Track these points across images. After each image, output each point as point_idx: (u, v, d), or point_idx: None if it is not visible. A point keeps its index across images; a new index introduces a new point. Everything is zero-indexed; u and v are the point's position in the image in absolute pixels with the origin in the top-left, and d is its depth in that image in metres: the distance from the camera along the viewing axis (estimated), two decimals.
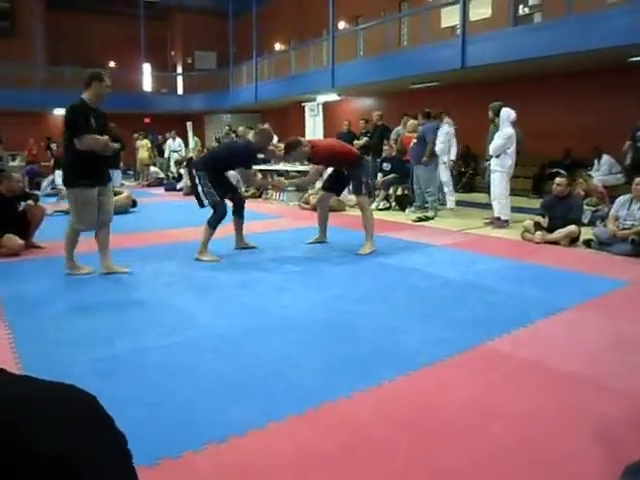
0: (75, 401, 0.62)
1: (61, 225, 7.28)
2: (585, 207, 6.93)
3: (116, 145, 4.72)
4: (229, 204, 5.54)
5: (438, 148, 8.25)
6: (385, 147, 9.67)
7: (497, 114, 7.13)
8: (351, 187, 5.95)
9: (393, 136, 9.91)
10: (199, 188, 5.19)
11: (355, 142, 10.89)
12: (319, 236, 6.11)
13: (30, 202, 5.80)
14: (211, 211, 5.27)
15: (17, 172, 8.29)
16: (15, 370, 1.47)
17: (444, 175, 8.72)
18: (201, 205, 5.27)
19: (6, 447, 0.54)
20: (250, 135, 11.95)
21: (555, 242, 5.87)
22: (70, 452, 0.56)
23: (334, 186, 6.01)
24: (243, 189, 11.40)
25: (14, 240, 5.53)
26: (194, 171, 5.35)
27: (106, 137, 4.39)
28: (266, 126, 5.66)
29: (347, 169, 5.72)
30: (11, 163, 15.17)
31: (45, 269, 4.97)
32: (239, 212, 5.67)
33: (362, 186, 5.65)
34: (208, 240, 5.16)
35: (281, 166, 11.43)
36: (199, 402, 2.36)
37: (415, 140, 8.34)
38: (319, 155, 5.53)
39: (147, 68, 20.17)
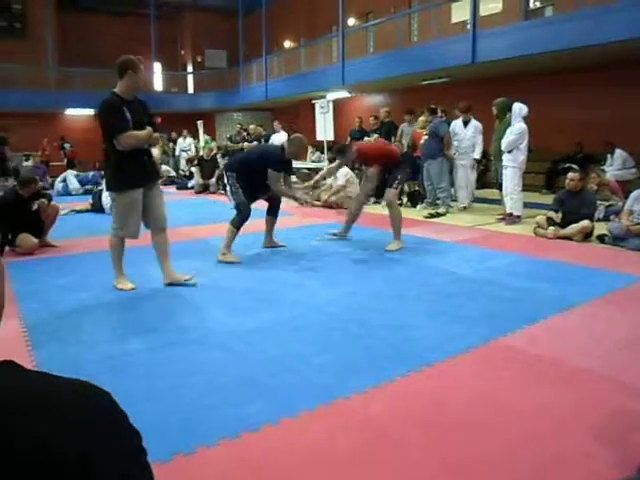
0: (92, 398, 0.63)
1: (74, 224, 7.37)
2: (598, 202, 6.87)
3: (157, 135, 4.27)
4: (264, 204, 5.58)
5: (464, 144, 8.15)
6: (394, 144, 9.64)
7: (504, 110, 7.09)
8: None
9: (398, 132, 9.91)
10: (227, 188, 5.26)
11: (365, 139, 10.87)
12: (343, 229, 6.23)
13: (43, 200, 5.85)
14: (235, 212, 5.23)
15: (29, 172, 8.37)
16: (29, 367, 1.46)
17: (469, 174, 8.48)
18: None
19: (31, 448, 0.54)
20: (281, 139, 12.07)
21: (568, 237, 5.83)
22: (90, 450, 0.56)
23: (380, 190, 5.92)
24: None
25: (29, 239, 5.60)
26: (225, 171, 5.43)
27: (147, 130, 3.97)
28: (298, 135, 5.58)
29: (390, 170, 5.71)
30: (25, 163, 15.30)
31: (59, 268, 5.01)
32: (274, 211, 5.63)
33: (396, 182, 5.68)
34: (232, 241, 5.12)
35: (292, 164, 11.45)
36: (212, 398, 2.37)
37: (426, 136, 8.31)
38: (367, 155, 5.74)
39: (158, 67, 20.25)
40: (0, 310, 0.70)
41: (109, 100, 3.90)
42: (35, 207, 5.73)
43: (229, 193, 5.22)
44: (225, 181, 5.31)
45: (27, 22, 18.70)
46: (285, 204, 5.95)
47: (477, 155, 8.42)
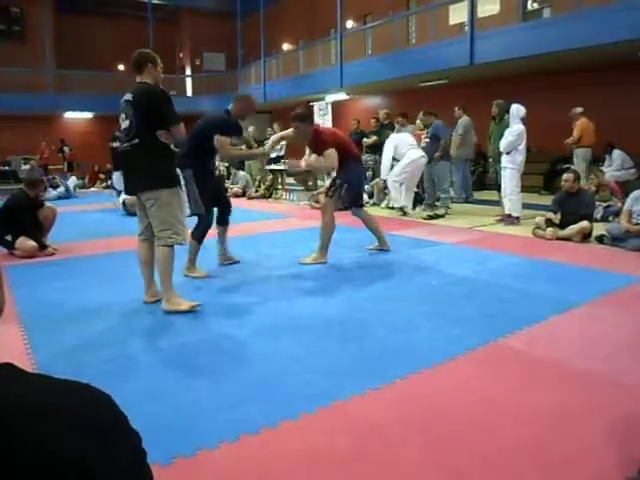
0: (92, 401, 0.63)
1: (73, 226, 7.36)
2: (597, 203, 6.87)
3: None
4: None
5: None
6: None
7: (503, 111, 7.11)
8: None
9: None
10: (185, 190, 4.26)
11: (364, 140, 10.89)
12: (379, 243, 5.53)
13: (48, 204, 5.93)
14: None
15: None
16: (29, 369, 1.46)
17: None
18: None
19: (31, 451, 0.54)
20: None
21: (567, 238, 5.83)
22: (90, 452, 0.57)
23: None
24: (252, 190, 11.45)
25: (28, 242, 5.59)
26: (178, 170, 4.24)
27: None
28: (248, 94, 4.75)
29: (343, 165, 4.95)
30: (24, 167, 15.31)
31: (59, 271, 5.01)
32: (224, 219, 4.86)
33: (332, 188, 4.98)
34: (195, 254, 4.56)
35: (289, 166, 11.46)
36: (212, 401, 2.37)
37: (427, 139, 8.32)
38: (324, 136, 4.85)
39: None
40: (2, 307, 0.70)
41: (162, 89, 3.59)
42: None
43: (185, 199, 4.17)
44: (181, 183, 4.14)
45: (26, 25, 18.73)
46: (273, 201, 5.67)
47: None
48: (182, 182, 4.06)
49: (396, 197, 8.06)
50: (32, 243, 5.62)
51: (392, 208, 8.47)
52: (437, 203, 8.43)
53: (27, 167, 15.10)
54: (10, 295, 4.05)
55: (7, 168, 16.91)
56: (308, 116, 4.85)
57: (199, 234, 4.51)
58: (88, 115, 18.98)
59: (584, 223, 5.78)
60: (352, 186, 5.13)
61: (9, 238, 5.59)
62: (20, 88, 16.73)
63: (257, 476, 1.85)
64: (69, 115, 18.68)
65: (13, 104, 16.14)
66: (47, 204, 6.20)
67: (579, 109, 8.60)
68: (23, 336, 3.23)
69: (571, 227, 5.84)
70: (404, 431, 2.11)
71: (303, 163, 4.76)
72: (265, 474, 1.86)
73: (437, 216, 7.78)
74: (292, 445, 2.02)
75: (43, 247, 5.75)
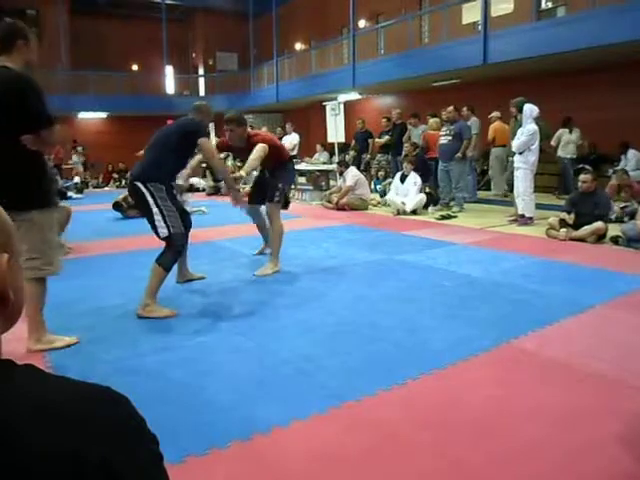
0: (112, 403, 0.63)
1: (85, 226, 7.42)
2: (615, 203, 6.81)
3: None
4: None
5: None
6: (405, 145, 9.68)
7: (520, 110, 7.07)
8: (268, 194, 4.84)
9: (405, 135, 10.02)
10: (153, 209, 3.60)
11: (376, 140, 10.89)
12: (265, 245, 5.39)
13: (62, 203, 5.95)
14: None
15: None
16: (44, 367, 1.46)
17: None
18: (159, 235, 3.68)
19: (52, 455, 0.55)
20: (292, 141, 11.91)
21: (581, 239, 5.78)
22: (111, 456, 0.57)
23: (258, 197, 5.06)
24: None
25: None
26: (140, 184, 3.63)
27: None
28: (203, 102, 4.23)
29: (273, 170, 4.85)
30: None
31: (73, 270, 5.04)
32: (186, 236, 4.05)
33: (277, 193, 4.75)
34: (158, 287, 3.64)
35: (303, 166, 11.48)
36: (223, 400, 2.38)
37: (449, 137, 8.31)
38: (262, 138, 4.59)
39: (169, 70, 20.37)
40: (20, 308, 0.69)
41: (29, 77, 2.74)
42: None
43: (157, 217, 3.60)
44: (147, 198, 3.61)
45: (41, 27, 18.90)
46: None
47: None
48: (149, 199, 3.59)
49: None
50: None
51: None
52: (452, 202, 8.44)
53: None
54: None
55: None
56: (244, 121, 4.62)
57: (170, 261, 3.68)
58: (102, 115, 19.13)
59: (599, 224, 5.73)
60: (287, 186, 5.16)
61: None
62: None
63: (267, 476, 1.86)
64: (83, 115, 18.84)
65: None
66: (62, 204, 6.26)
67: (496, 114, 9.70)
68: None
69: (585, 228, 5.79)
70: (415, 432, 2.11)
71: (243, 173, 4.30)
72: (275, 474, 1.86)
73: (450, 216, 7.75)
74: (303, 445, 2.02)
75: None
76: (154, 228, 3.63)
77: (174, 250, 3.66)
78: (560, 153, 9.49)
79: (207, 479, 1.85)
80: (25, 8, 18.61)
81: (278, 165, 4.80)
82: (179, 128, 3.82)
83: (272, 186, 4.76)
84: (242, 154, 4.58)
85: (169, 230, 3.59)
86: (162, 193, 3.62)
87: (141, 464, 0.61)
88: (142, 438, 0.63)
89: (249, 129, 4.78)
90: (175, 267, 3.92)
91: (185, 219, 3.95)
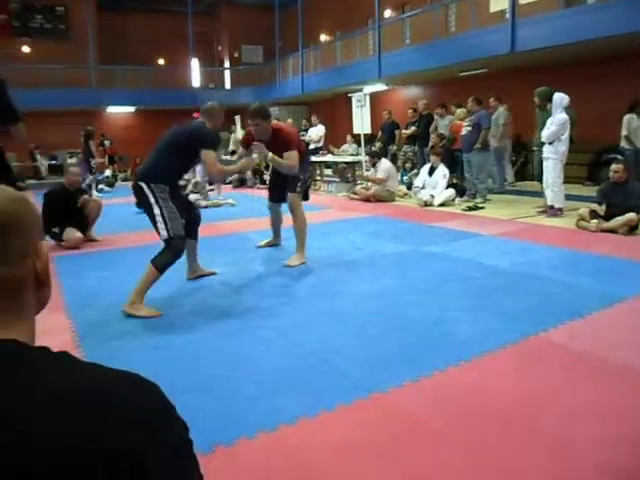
0: (142, 390, 0.64)
1: (117, 219, 7.55)
2: None
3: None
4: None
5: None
6: (432, 137, 9.60)
7: (545, 99, 6.93)
8: (288, 185, 4.86)
9: (432, 126, 9.95)
10: (155, 210, 3.59)
11: (403, 132, 10.81)
12: (270, 240, 5.54)
13: (86, 197, 6.08)
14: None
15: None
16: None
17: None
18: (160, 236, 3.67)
19: (85, 441, 0.56)
20: (318, 133, 11.88)
21: (613, 230, 5.66)
22: (142, 442, 0.58)
23: (276, 194, 5.13)
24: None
25: (74, 234, 5.79)
26: (143, 184, 3.64)
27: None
28: (212, 103, 4.06)
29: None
30: (69, 161, 15.79)
31: (103, 261, 5.15)
32: (194, 231, 4.16)
33: (299, 184, 4.78)
34: (149, 287, 3.57)
35: (329, 157, 11.46)
36: (251, 391, 2.40)
37: (469, 128, 8.23)
38: (284, 134, 4.62)
39: (195, 64, 20.50)
40: (50, 294, 0.72)
41: None
42: (80, 203, 5.93)
43: (159, 219, 3.59)
44: (150, 200, 3.61)
45: (70, 23, 19.21)
46: (312, 193, 5.31)
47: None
48: (151, 200, 3.60)
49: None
50: (78, 235, 5.81)
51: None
52: (476, 193, 8.35)
53: (73, 160, 15.53)
54: (58, 284, 4.19)
55: (54, 162, 17.46)
56: (269, 114, 4.59)
57: (166, 262, 3.59)
58: (130, 109, 19.37)
59: (631, 215, 5.60)
60: (308, 177, 5.22)
61: (57, 230, 5.77)
62: (65, 84, 17.23)
63: (293, 466, 1.87)
64: (111, 109, 19.11)
65: (58, 100, 16.62)
66: (94, 197, 6.41)
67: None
68: (71, 325, 3.34)
69: (617, 219, 5.66)
70: (441, 424, 2.10)
71: (270, 155, 4.37)
72: (301, 464, 1.88)
73: (477, 207, 7.67)
74: (328, 436, 2.03)
75: (89, 239, 5.98)
76: (156, 229, 3.65)
77: (172, 252, 3.60)
78: (634, 142, 8.23)
79: (235, 468, 1.87)
80: (54, 5, 18.95)
81: (300, 160, 4.74)
82: (187, 134, 3.79)
83: (293, 177, 4.76)
84: (267, 147, 4.57)
85: (169, 233, 3.57)
86: (164, 194, 3.62)
87: (172, 450, 0.62)
88: (172, 424, 0.64)
89: (274, 121, 4.78)
90: (177, 267, 3.85)
91: (192, 214, 4.04)
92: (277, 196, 5.13)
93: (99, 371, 0.64)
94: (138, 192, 3.70)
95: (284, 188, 4.85)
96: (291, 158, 4.50)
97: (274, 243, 5.55)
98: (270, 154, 4.38)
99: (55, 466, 0.54)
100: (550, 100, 6.79)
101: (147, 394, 0.64)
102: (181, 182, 3.95)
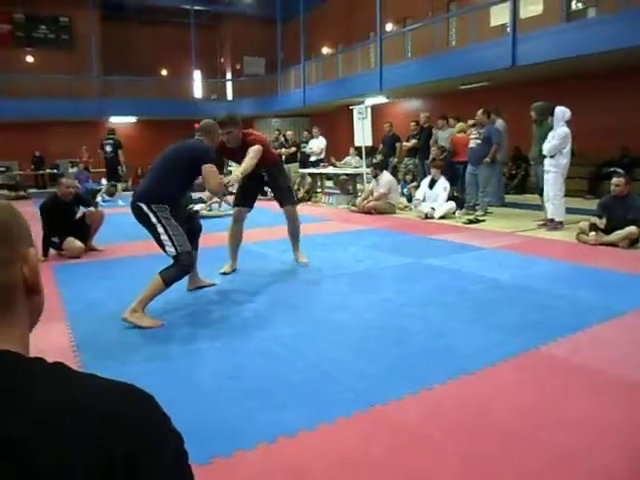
0: (137, 400, 0.64)
1: (119, 229, 7.55)
2: None
3: None
4: None
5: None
6: (433, 149, 9.62)
7: (543, 114, 6.96)
8: (279, 197, 4.98)
9: (432, 138, 9.97)
10: (159, 229, 3.59)
11: (404, 144, 10.84)
12: (231, 264, 5.00)
13: (92, 209, 6.06)
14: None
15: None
16: (75, 367, 1.48)
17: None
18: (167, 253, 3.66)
19: (78, 449, 0.56)
20: (319, 145, 11.95)
21: (613, 244, 5.66)
22: (135, 452, 0.58)
23: (249, 199, 5.02)
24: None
25: (75, 243, 5.78)
26: (143, 205, 3.62)
27: None
28: (208, 121, 4.13)
29: (270, 173, 4.90)
30: (70, 170, 15.82)
31: (104, 271, 5.14)
32: (195, 242, 4.10)
33: (293, 194, 4.98)
34: (153, 298, 3.57)
35: (330, 169, 11.48)
36: (250, 402, 2.39)
37: (479, 141, 8.24)
38: (257, 142, 4.53)
39: (197, 75, 20.62)
40: (43, 302, 0.72)
41: None
42: (79, 215, 5.93)
43: (164, 237, 3.58)
44: (153, 220, 3.61)
45: (73, 34, 19.33)
46: (312, 205, 5.59)
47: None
48: (153, 220, 3.59)
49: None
50: (79, 244, 5.81)
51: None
52: (477, 206, 8.35)
53: (74, 170, 15.56)
54: (58, 294, 4.18)
55: (56, 171, 17.50)
56: (239, 121, 4.62)
57: (173, 277, 3.61)
58: (132, 119, 19.45)
59: (632, 228, 5.60)
60: (290, 183, 5.37)
61: (56, 240, 5.76)
62: (68, 94, 17.30)
63: (292, 478, 1.86)
64: (113, 120, 19.18)
65: (61, 110, 16.70)
66: (99, 207, 6.42)
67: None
68: (70, 334, 3.33)
69: (617, 232, 5.67)
70: (441, 437, 2.09)
71: (238, 174, 4.21)
72: (300, 476, 1.87)
73: (477, 220, 7.68)
74: (328, 449, 2.02)
75: (90, 249, 5.98)
76: (162, 247, 3.63)
77: (180, 267, 3.60)
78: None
79: None
80: (58, 16, 19.08)
81: (272, 165, 4.89)
82: (187, 152, 3.78)
83: (284, 188, 4.98)
84: (237, 154, 4.60)
85: (176, 250, 3.57)
86: (166, 213, 3.61)
87: (166, 460, 0.61)
88: (167, 435, 0.64)
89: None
90: None
91: (193, 225, 4.09)
92: (248, 201, 5.01)
93: (94, 382, 0.64)
94: (137, 213, 3.69)
95: (256, 194, 5.06)
96: (253, 151, 4.40)
97: (235, 267, 5.02)
98: (239, 173, 4.24)
99: None
100: (549, 114, 6.82)
101: (142, 405, 0.64)
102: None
